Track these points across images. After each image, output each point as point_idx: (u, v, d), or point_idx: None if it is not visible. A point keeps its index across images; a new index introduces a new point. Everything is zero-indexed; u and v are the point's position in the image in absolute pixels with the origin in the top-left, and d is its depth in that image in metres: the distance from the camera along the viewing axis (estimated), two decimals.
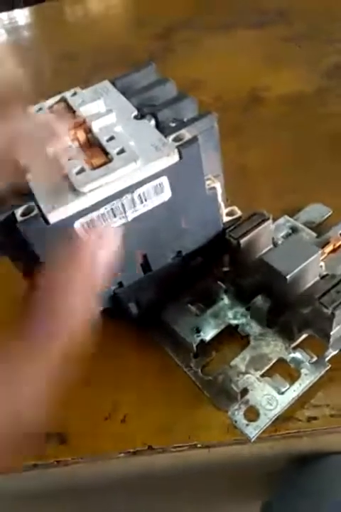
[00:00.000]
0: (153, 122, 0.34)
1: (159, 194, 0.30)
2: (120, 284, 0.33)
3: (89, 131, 0.32)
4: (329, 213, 0.41)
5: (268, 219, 0.36)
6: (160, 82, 0.37)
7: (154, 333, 0.37)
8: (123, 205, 0.29)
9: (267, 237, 0.37)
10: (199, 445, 0.32)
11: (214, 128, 0.35)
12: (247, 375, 0.33)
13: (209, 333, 0.35)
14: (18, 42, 0.94)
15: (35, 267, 0.29)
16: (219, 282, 0.38)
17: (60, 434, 0.33)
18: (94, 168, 0.29)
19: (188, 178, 0.31)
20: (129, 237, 0.31)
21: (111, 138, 0.30)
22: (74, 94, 0.35)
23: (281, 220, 0.41)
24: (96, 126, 0.31)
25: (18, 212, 0.29)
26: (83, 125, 0.32)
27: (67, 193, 0.28)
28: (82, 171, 0.28)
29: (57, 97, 0.36)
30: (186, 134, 0.31)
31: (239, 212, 0.37)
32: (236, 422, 0.31)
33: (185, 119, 0.34)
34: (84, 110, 0.33)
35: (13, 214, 0.28)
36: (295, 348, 0.33)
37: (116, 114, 0.32)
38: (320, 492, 0.33)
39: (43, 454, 0.32)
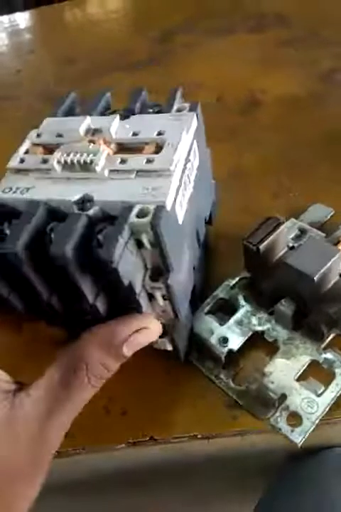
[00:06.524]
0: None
1: (195, 159, 0.32)
2: None
3: (110, 140, 0.30)
4: (332, 213, 0.42)
5: (282, 223, 0.36)
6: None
7: None
8: (188, 173, 0.30)
9: (282, 240, 0.37)
10: (199, 436, 0.32)
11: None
12: (282, 381, 0.32)
13: (236, 342, 0.34)
14: (19, 45, 0.91)
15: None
16: (236, 289, 0.37)
17: None
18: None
19: (201, 141, 0.33)
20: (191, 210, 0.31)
21: (135, 134, 0.30)
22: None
23: (288, 223, 0.41)
24: (113, 131, 0.31)
25: (134, 212, 0.25)
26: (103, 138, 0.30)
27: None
28: (149, 161, 0.28)
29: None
30: (186, 104, 0.33)
31: None
32: (280, 429, 0.31)
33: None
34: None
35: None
36: (325, 349, 0.34)
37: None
38: (321, 484, 0.33)
39: None
